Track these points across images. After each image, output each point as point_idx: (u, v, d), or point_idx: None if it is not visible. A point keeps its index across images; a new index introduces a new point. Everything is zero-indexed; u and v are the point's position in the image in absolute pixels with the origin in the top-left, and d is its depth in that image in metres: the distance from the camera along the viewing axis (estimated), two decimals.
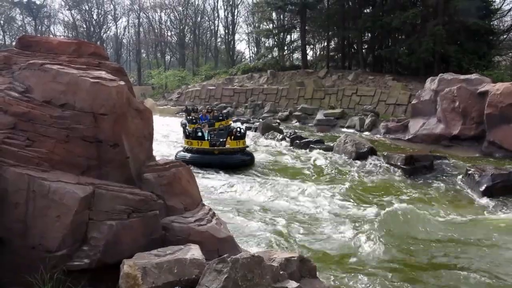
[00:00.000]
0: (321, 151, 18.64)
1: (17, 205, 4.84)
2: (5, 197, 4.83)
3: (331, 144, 19.20)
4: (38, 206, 4.84)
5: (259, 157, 17.89)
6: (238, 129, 16.83)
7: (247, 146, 17.15)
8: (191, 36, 67.37)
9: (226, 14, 63.50)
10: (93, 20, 69.56)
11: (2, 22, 68.25)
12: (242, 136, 16.61)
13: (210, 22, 68.85)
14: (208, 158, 15.55)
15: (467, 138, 20.26)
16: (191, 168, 14.17)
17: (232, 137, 16.37)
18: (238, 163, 15.89)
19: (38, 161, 5.11)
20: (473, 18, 28.51)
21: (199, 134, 16.09)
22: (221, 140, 16.39)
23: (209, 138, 16.17)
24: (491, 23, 33.34)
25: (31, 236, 4.82)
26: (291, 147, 20.62)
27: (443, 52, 29.60)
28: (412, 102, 24.41)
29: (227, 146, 16.05)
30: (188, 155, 15.91)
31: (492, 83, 20.19)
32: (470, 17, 28.30)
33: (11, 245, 4.82)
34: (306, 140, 21.12)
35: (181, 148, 16.86)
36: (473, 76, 21.37)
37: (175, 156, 16.07)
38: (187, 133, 16.49)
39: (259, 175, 15.11)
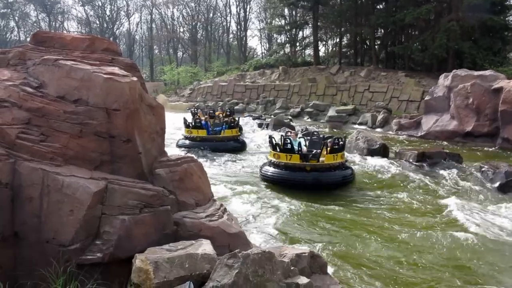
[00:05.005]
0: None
1: (31, 199, 4.90)
2: (19, 191, 4.89)
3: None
4: (52, 200, 4.90)
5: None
6: (336, 140, 13.67)
7: (346, 160, 14.04)
8: (203, 32, 67.57)
9: (238, 10, 63.88)
10: (106, 16, 70.07)
11: (17, 18, 68.97)
12: (341, 148, 13.50)
13: (222, 18, 69.01)
14: (299, 175, 12.75)
15: (481, 134, 20.10)
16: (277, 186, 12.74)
17: (328, 149, 13.23)
18: (339, 181, 12.94)
19: (52, 156, 5.16)
20: (488, 14, 28.17)
21: (288, 146, 13.10)
22: (314, 151, 13.43)
23: (300, 150, 13.07)
24: (506, 18, 32.91)
25: (45, 230, 4.88)
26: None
27: (457, 48, 29.32)
28: (425, 99, 24.27)
29: (322, 159, 13.06)
30: (274, 170, 13.25)
31: (507, 80, 19.99)
32: (485, 13, 27.96)
33: (26, 239, 4.89)
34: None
35: (266, 161, 14.16)
36: (488, 72, 21.17)
37: (260, 170, 13.94)
38: (274, 144, 13.62)
39: None
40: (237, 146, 19.14)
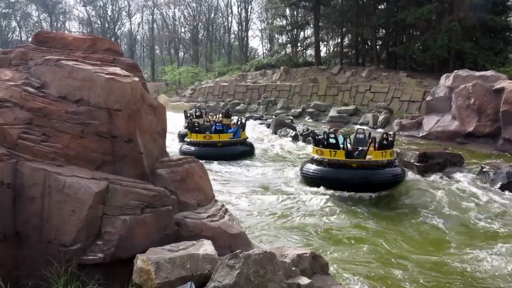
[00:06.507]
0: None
1: (33, 199, 4.90)
2: (21, 191, 4.89)
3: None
4: (53, 200, 4.90)
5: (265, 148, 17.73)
6: (385, 136, 12.67)
7: (396, 158, 13.08)
8: (205, 33, 67.57)
9: (239, 10, 63.67)
10: (107, 16, 70.16)
11: (18, 18, 69.09)
12: (390, 145, 12.54)
13: (224, 18, 69.03)
14: (344, 173, 11.88)
15: (482, 135, 20.08)
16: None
17: (376, 145, 12.22)
18: (389, 180, 12.11)
19: (53, 156, 5.16)
20: (489, 14, 28.13)
21: (333, 140, 12.25)
22: (360, 149, 12.71)
23: (345, 146, 12.20)
24: (508, 19, 32.88)
25: (46, 230, 4.88)
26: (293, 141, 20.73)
27: (459, 48, 29.28)
28: (427, 99, 24.24)
29: (369, 157, 12.12)
30: (317, 168, 12.40)
31: (508, 80, 19.95)
32: (486, 13, 27.92)
33: (27, 239, 4.89)
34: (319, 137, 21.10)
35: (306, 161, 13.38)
36: (489, 72, 21.14)
37: (301, 169, 13.08)
38: (317, 139, 12.79)
39: (271, 170, 15.09)
40: (246, 150, 17.88)
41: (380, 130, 25.83)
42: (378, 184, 11.84)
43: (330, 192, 11.94)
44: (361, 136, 13.77)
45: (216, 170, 15.07)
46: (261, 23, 66.20)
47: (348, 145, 12.57)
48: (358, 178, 11.72)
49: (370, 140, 12.54)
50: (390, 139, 12.59)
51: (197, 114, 20.92)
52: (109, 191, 5.09)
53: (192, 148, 17.05)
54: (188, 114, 21.70)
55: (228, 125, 18.90)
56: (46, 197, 4.91)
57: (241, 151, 17.51)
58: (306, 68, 41.01)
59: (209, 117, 21.49)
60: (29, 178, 4.92)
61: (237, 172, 15.21)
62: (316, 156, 12.41)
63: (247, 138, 18.44)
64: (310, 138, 13.27)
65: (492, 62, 28.12)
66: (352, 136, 14.24)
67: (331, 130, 13.23)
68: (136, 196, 5.18)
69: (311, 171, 12.46)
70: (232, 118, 21.26)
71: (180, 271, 4.57)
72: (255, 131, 25.00)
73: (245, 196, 11.94)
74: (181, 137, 20.13)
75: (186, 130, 18.73)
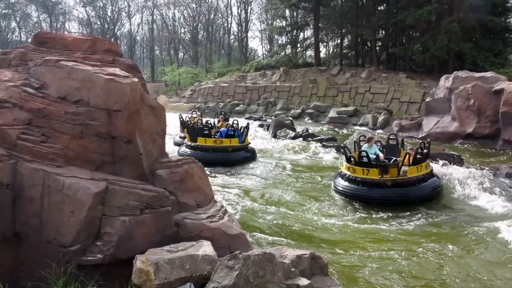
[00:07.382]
0: (333, 148, 18.64)
1: (32, 200, 4.90)
2: (21, 192, 4.90)
3: (344, 142, 19.08)
4: (53, 201, 4.90)
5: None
6: (421, 146, 12.02)
7: (432, 169, 12.27)
8: (204, 33, 67.52)
9: (239, 11, 63.60)
10: (107, 17, 70.09)
11: (18, 18, 69.08)
12: (425, 157, 11.89)
13: (223, 19, 68.94)
14: (378, 192, 11.22)
15: (482, 136, 20.09)
16: None
17: (410, 158, 11.56)
18: (427, 195, 11.41)
19: (53, 156, 5.16)
20: (489, 15, 28.15)
21: (365, 159, 11.52)
22: (393, 159, 11.97)
23: (377, 159, 11.43)
24: (507, 20, 32.91)
25: (46, 231, 4.88)
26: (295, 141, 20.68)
27: (458, 49, 29.30)
28: (426, 100, 24.24)
29: (404, 168, 11.33)
30: (349, 185, 11.68)
31: (508, 81, 19.97)
32: (486, 14, 27.94)
33: (27, 239, 4.89)
34: (319, 138, 21.12)
35: (338, 173, 12.53)
36: (489, 74, 21.16)
37: (334, 185, 12.33)
38: (348, 156, 12.03)
39: (271, 172, 15.08)
40: (249, 156, 17.03)
41: (379, 131, 25.85)
42: (415, 200, 11.21)
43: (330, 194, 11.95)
44: (393, 142, 13.23)
45: (216, 173, 15.03)
46: (261, 24, 66.22)
47: (381, 154, 11.95)
48: (394, 197, 11.16)
49: (402, 149, 12.24)
50: (425, 151, 12.02)
51: (209, 125, 18.05)
52: (109, 192, 5.09)
53: (190, 152, 15.99)
54: (187, 118, 21.02)
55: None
56: (45, 198, 4.91)
57: (244, 157, 16.87)
58: (305, 69, 41.00)
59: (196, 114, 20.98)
60: (29, 179, 4.92)
61: (237, 174, 15.19)
62: (348, 174, 11.83)
63: (250, 143, 17.78)
64: (342, 153, 12.46)
65: (492, 63, 28.15)
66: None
67: (365, 139, 12.63)
68: (136, 197, 5.18)
69: (343, 187, 11.89)
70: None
71: (179, 272, 4.57)
72: (255, 133, 24.94)
73: (245, 197, 11.93)
74: (178, 145, 18.87)
75: (184, 136, 17.90)
